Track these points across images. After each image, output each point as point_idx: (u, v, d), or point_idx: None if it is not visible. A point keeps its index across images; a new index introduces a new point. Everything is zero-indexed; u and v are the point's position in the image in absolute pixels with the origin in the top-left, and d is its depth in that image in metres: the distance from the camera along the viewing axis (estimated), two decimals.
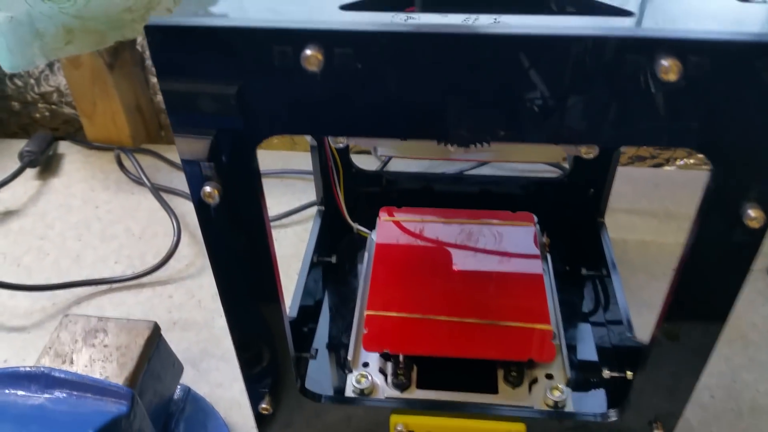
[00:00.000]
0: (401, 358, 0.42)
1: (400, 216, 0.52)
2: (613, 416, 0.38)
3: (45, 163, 0.72)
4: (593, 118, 0.25)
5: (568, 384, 0.41)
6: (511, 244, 0.49)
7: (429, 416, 0.39)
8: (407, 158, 0.64)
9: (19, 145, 0.72)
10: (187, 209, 0.65)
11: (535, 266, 0.47)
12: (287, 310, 0.37)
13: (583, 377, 0.44)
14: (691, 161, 0.73)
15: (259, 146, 0.28)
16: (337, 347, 0.48)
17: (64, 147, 0.76)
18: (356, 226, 0.55)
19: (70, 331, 0.40)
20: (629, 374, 0.41)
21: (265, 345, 0.36)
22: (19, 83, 0.80)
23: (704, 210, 0.28)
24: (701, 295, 0.31)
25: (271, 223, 0.39)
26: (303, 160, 0.69)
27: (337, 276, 0.54)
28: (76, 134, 0.81)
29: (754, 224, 0.27)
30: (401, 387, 0.41)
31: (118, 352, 0.38)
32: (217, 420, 0.45)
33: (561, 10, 0.29)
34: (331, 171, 0.53)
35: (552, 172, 0.65)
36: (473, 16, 0.25)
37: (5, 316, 0.55)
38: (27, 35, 0.59)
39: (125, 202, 0.67)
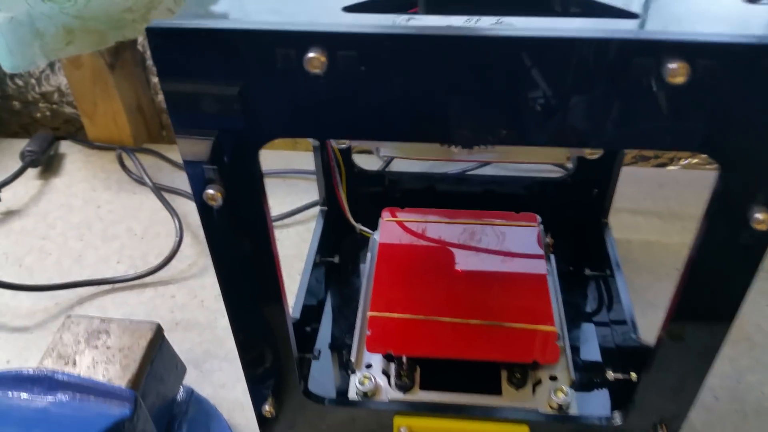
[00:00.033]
0: (404, 359, 0.42)
1: (403, 216, 0.52)
2: (617, 419, 0.37)
3: (46, 163, 0.72)
4: (598, 121, 0.25)
5: (573, 385, 0.41)
6: (514, 245, 0.49)
7: (433, 418, 0.39)
8: (410, 159, 0.64)
9: (20, 144, 0.72)
10: (189, 209, 0.65)
11: (538, 267, 0.47)
12: (290, 311, 0.37)
13: (587, 378, 0.44)
14: (695, 161, 0.72)
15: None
16: (340, 348, 0.47)
17: (65, 147, 0.76)
18: (359, 226, 0.55)
19: (73, 333, 0.39)
20: (633, 376, 0.41)
21: (268, 346, 0.36)
22: (20, 83, 0.80)
23: (711, 212, 0.27)
24: (708, 298, 0.30)
25: (274, 223, 0.39)
26: (305, 159, 0.69)
27: (339, 276, 0.54)
28: (77, 134, 0.81)
29: (762, 227, 0.26)
30: (404, 388, 0.41)
31: (120, 353, 0.38)
32: (220, 422, 0.45)
33: (565, 12, 0.29)
34: (333, 171, 0.53)
35: (556, 173, 0.65)
36: (477, 18, 0.25)
37: (7, 316, 0.55)
38: (27, 35, 0.59)
39: (127, 202, 0.67)
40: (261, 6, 0.27)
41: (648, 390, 0.35)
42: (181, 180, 0.69)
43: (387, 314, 0.43)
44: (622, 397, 0.42)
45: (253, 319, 0.35)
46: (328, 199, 0.56)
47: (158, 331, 0.40)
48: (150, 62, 0.75)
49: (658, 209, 0.64)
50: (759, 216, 0.26)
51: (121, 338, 0.39)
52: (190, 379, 0.47)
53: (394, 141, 0.36)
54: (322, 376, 0.45)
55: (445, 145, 0.33)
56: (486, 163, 0.66)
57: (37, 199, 0.68)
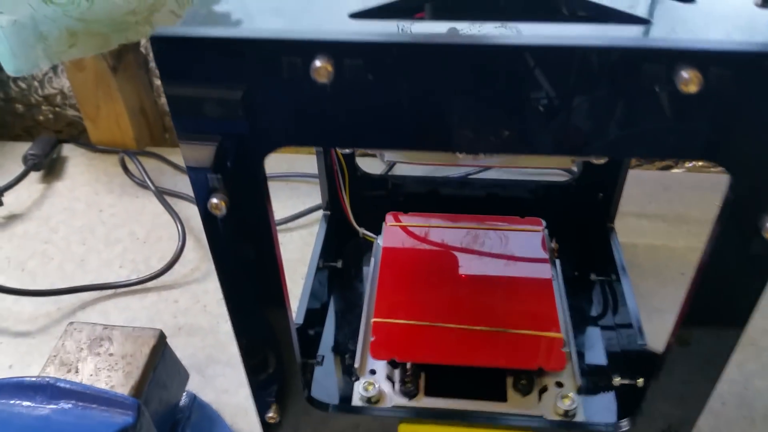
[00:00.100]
0: (409, 365, 0.41)
1: (407, 221, 0.51)
2: (624, 426, 0.37)
3: (49, 167, 0.72)
4: (607, 130, 0.24)
5: (579, 391, 0.41)
6: (519, 250, 0.49)
7: (437, 426, 0.38)
8: (415, 164, 0.63)
9: (23, 147, 0.71)
10: (191, 213, 0.65)
11: (544, 272, 0.46)
12: (293, 317, 0.37)
13: (593, 384, 0.44)
14: (700, 164, 0.72)
15: None
16: (344, 354, 0.47)
17: (67, 150, 0.75)
18: (362, 230, 0.55)
19: (75, 340, 0.39)
20: (640, 381, 0.41)
21: (271, 352, 0.36)
22: (23, 86, 0.80)
23: (722, 220, 0.27)
24: (719, 304, 0.30)
25: (277, 228, 0.39)
26: (308, 162, 0.69)
27: (342, 281, 0.54)
28: (79, 137, 0.81)
29: None
30: (409, 395, 0.41)
31: (123, 360, 0.38)
32: (223, 427, 0.45)
33: (573, 17, 0.29)
34: (336, 175, 0.53)
35: (561, 176, 0.64)
36: (484, 24, 0.25)
37: (10, 321, 0.55)
38: (30, 38, 0.58)
39: (129, 206, 0.67)
40: (267, 13, 0.26)
41: (656, 397, 0.35)
42: (183, 183, 0.69)
43: (391, 320, 0.43)
44: (628, 402, 0.42)
45: (257, 325, 0.34)
46: (331, 203, 0.56)
47: (161, 338, 0.39)
48: (153, 65, 0.75)
49: (664, 212, 0.63)
50: None
51: (123, 345, 0.38)
52: (193, 385, 0.47)
53: (400, 149, 0.35)
54: (325, 381, 0.45)
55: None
56: (490, 167, 0.65)
57: (40, 202, 0.68)
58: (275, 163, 0.70)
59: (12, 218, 0.66)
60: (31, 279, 0.59)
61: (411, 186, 0.57)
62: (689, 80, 0.22)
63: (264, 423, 0.39)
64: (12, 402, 0.33)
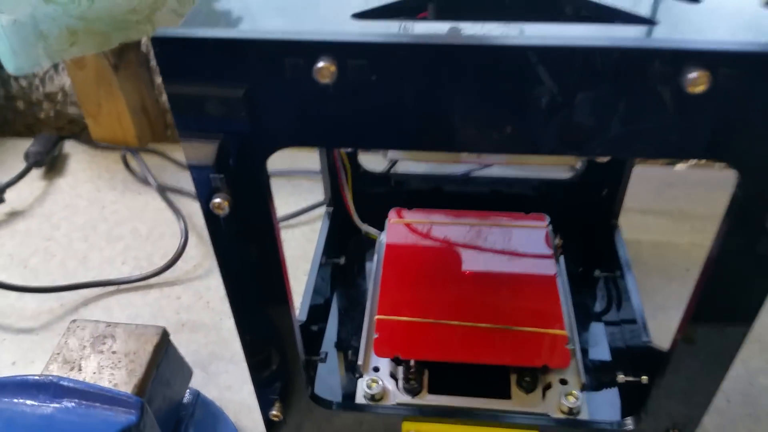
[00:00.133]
0: (412, 362, 0.41)
1: (410, 217, 0.51)
2: (629, 424, 0.37)
3: (51, 164, 0.72)
4: (614, 130, 0.24)
5: (583, 389, 0.41)
6: (523, 246, 0.48)
7: (441, 423, 0.38)
8: (417, 161, 0.63)
9: (25, 144, 0.71)
10: (194, 209, 0.65)
11: (548, 268, 0.46)
12: (296, 314, 0.37)
13: (597, 382, 0.44)
14: (703, 160, 0.72)
15: None
16: (347, 350, 0.47)
17: (69, 147, 0.75)
18: (365, 227, 0.54)
19: (78, 337, 0.39)
20: (644, 379, 0.41)
21: (274, 349, 0.36)
22: (24, 83, 0.79)
23: (729, 219, 0.27)
24: (725, 303, 0.30)
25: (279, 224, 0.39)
26: (310, 159, 0.68)
27: (345, 278, 0.54)
28: (81, 134, 0.81)
29: None
30: (413, 392, 0.41)
31: (126, 358, 0.38)
32: (226, 424, 0.45)
33: (579, 17, 0.28)
34: (339, 172, 0.52)
35: (565, 173, 0.64)
36: (488, 24, 0.24)
37: (13, 317, 0.55)
38: (31, 37, 0.58)
39: (132, 203, 0.67)
40: (269, 13, 0.26)
41: (661, 395, 0.35)
42: (185, 180, 0.69)
43: (395, 317, 0.43)
44: (633, 400, 0.42)
45: (260, 323, 0.34)
46: (334, 199, 0.55)
47: (164, 336, 0.39)
48: (154, 63, 0.75)
49: (668, 209, 0.63)
50: None
51: (126, 343, 0.38)
52: (197, 381, 0.46)
53: (402, 149, 0.35)
54: (328, 378, 0.45)
55: None
56: (493, 164, 0.65)
57: (42, 199, 0.68)
58: (277, 159, 0.69)
59: (14, 215, 0.66)
60: (34, 276, 0.59)
61: (414, 183, 0.56)
62: (697, 81, 0.21)
63: (267, 421, 0.39)
64: (15, 401, 0.33)
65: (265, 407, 0.38)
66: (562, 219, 0.52)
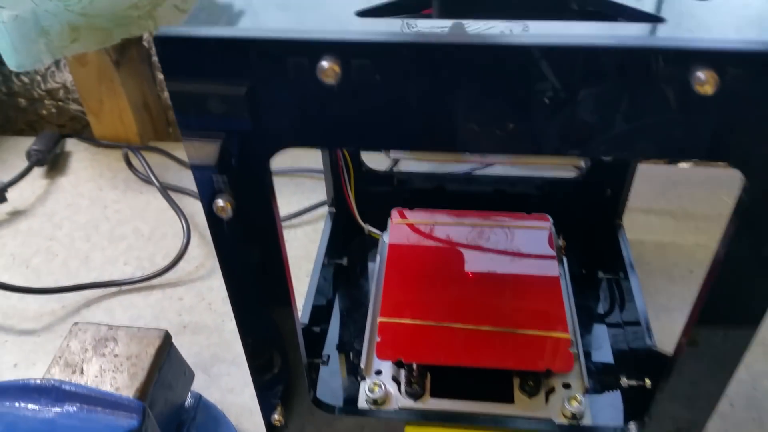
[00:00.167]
0: (415, 366, 0.41)
1: (413, 218, 0.51)
2: (632, 429, 0.37)
3: (52, 162, 0.72)
4: (620, 131, 0.24)
5: (586, 392, 0.40)
6: (526, 247, 0.48)
7: (444, 428, 0.38)
8: (420, 160, 0.63)
9: (26, 142, 0.71)
10: (196, 209, 0.64)
11: (551, 270, 0.46)
12: (299, 316, 0.37)
13: (600, 385, 0.44)
14: None
15: None
16: (349, 353, 0.47)
17: (71, 145, 0.75)
18: (367, 227, 0.54)
19: (80, 340, 0.39)
20: (648, 382, 0.40)
21: (277, 353, 0.36)
22: (26, 80, 0.79)
23: (735, 222, 0.26)
24: (731, 306, 0.30)
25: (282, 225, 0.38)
26: (312, 157, 0.68)
27: (348, 278, 0.53)
28: (83, 131, 0.81)
29: None
30: (415, 396, 0.40)
31: (128, 362, 0.38)
32: (228, 428, 0.45)
33: (585, 14, 0.28)
34: (341, 171, 0.52)
35: (568, 172, 0.64)
36: (494, 23, 0.24)
37: (15, 319, 0.55)
38: (32, 33, 0.58)
39: (134, 202, 0.67)
40: (273, 12, 0.26)
41: (665, 399, 0.35)
42: (188, 179, 0.68)
43: (397, 320, 0.42)
44: (636, 404, 0.41)
45: (262, 326, 0.34)
46: (336, 199, 0.55)
47: (166, 339, 0.39)
48: (156, 59, 0.75)
49: (672, 208, 0.63)
50: None
51: (128, 346, 0.38)
52: (198, 384, 0.46)
53: (406, 150, 0.35)
54: (330, 381, 0.45)
55: None
56: (496, 163, 0.65)
57: (44, 198, 0.68)
58: (279, 158, 0.68)
59: (16, 214, 0.66)
60: (36, 276, 0.59)
61: (416, 182, 0.56)
62: (705, 81, 0.21)
63: (269, 425, 0.39)
64: (17, 404, 0.33)
65: (266, 411, 0.38)
66: (566, 219, 0.51)
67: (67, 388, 0.33)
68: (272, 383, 0.37)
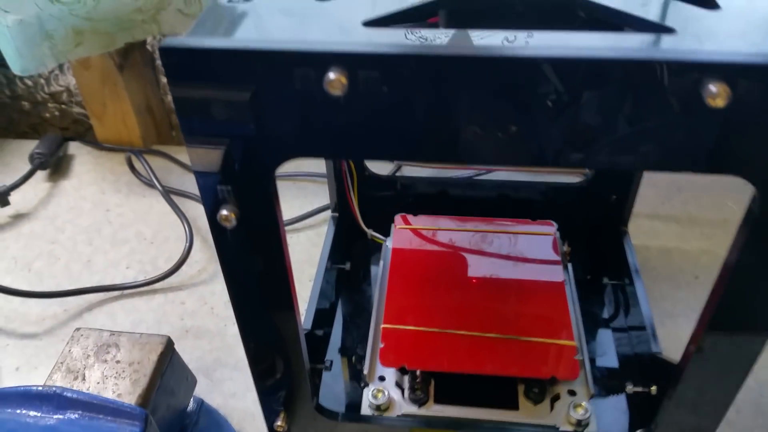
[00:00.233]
0: (419, 372, 0.41)
1: (416, 223, 0.51)
2: None
3: (55, 165, 0.72)
4: (629, 143, 0.24)
5: (592, 399, 0.40)
6: (530, 253, 0.48)
7: None
8: (423, 166, 0.63)
9: (29, 145, 0.71)
10: (199, 213, 0.64)
11: (556, 276, 0.46)
12: (302, 322, 0.36)
13: (606, 392, 0.43)
14: None
15: None
16: (352, 359, 0.47)
17: (74, 148, 0.75)
18: (370, 232, 0.54)
19: (82, 346, 0.39)
20: (653, 389, 0.40)
21: (279, 359, 0.35)
22: (29, 83, 0.79)
23: (744, 233, 0.26)
24: (741, 314, 0.29)
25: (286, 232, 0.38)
26: (315, 162, 0.68)
27: (351, 284, 0.53)
28: (86, 134, 0.80)
29: None
30: (419, 402, 0.40)
31: (130, 368, 0.37)
32: None
33: (595, 25, 0.28)
34: (344, 176, 0.52)
35: (573, 178, 0.63)
36: (504, 34, 0.24)
37: (17, 322, 0.55)
38: (36, 37, 0.58)
39: (136, 206, 0.67)
40: (280, 21, 0.26)
41: (672, 407, 0.34)
42: (191, 183, 0.68)
43: (401, 327, 0.42)
44: (642, 411, 0.41)
45: (265, 332, 0.34)
46: (340, 203, 0.55)
47: (168, 345, 0.39)
48: (159, 62, 0.75)
49: (677, 214, 0.62)
50: None
51: (131, 352, 0.38)
52: (201, 389, 0.46)
53: (413, 161, 0.35)
54: (333, 387, 0.45)
55: None
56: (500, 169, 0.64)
57: (46, 202, 0.68)
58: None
59: (18, 218, 0.66)
60: (38, 279, 0.59)
61: (420, 187, 0.56)
62: (717, 94, 0.21)
63: (272, 431, 0.39)
64: (19, 411, 0.33)
65: (269, 417, 0.38)
66: (571, 225, 0.51)
67: (69, 395, 0.33)
68: (275, 389, 0.37)
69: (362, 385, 0.42)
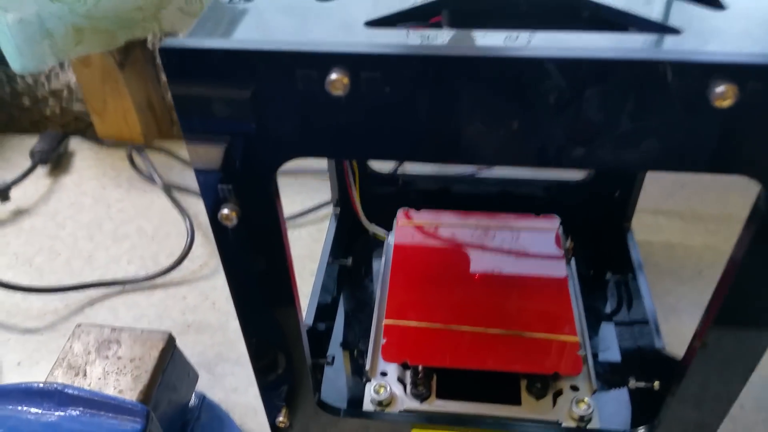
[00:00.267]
0: (421, 367, 0.41)
1: (418, 219, 0.51)
2: None
3: (56, 161, 0.72)
4: (635, 144, 0.23)
5: (594, 394, 0.40)
6: (534, 249, 0.48)
7: (450, 431, 0.38)
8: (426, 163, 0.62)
9: (30, 141, 0.71)
10: (200, 208, 0.64)
11: (559, 272, 0.45)
12: (303, 317, 0.36)
13: (609, 388, 0.43)
14: None
15: None
16: (354, 353, 0.46)
17: (75, 144, 0.75)
18: (372, 228, 0.54)
19: (83, 342, 0.39)
20: (656, 384, 0.40)
21: (281, 355, 0.35)
22: (30, 80, 0.79)
23: (751, 230, 0.26)
24: (747, 309, 0.29)
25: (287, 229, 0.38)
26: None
27: (352, 279, 0.53)
28: (86, 131, 0.80)
29: None
30: (421, 397, 0.40)
31: (132, 364, 0.37)
32: (232, 428, 0.44)
33: (599, 25, 0.27)
34: (346, 172, 0.52)
35: (577, 173, 0.63)
36: (508, 33, 0.23)
37: (18, 317, 0.55)
38: (37, 36, 0.58)
39: (137, 201, 0.66)
40: (281, 21, 0.25)
41: (676, 403, 0.34)
42: (192, 178, 0.68)
43: (403, 322, 0.42)
44: (644, 407, 0.41)
45: (266, 328, 0.34)
46: (341, 199, 0.55)
47: (170, 341, 0.39)
48: (160, 60, 0.74)
49: (680, 209, 0.62)
50: None
51: (132, 348, 0.38)
52: (202, 383, 0.46)
53: (416, 162, 0.34)
54: (335, 382, 0.45)
55: None
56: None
57: (47, 197, 0.68)
58: None
59: (19, 213, 0.66)
60: (39, 275, 0.59)
61: (422, 182, 0.56)
62: (724, 94, 0.21)
63: (273, 426, 0.39)
64: (20, 408, 0.33)
65: (271, 413, 0.38)
66: (574, 221, 0.51)
67: (70, 391, 0.33)
68: (276, 384, 0.37)
69: (364, 380, 0.42)
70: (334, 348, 0.47)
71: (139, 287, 0.57)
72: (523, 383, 0.41)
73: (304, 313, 0.45)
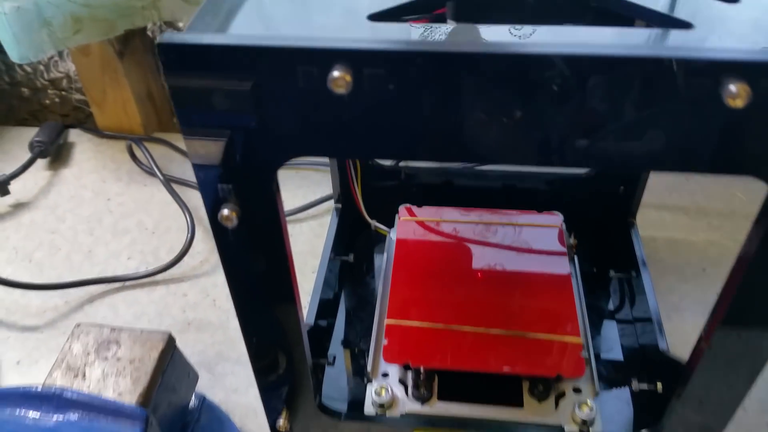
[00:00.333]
0: (422, 369, 0.40)
1: (421, 215, 0.50)
2: None
3: (55, 153, 0.71)
4: (644, 143, 0.23)
5: (597, 396, 0.40)
6: (536, 246, 0.47)
7: None
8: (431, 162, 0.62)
9: (29, 133, 0.70)
10: (200, 203, 0.63)
11: (562, 269, 0.45)
12: (304, 316, 0.36)
13: (612, 390, 0.43)
14: None
15: None
16: (356, 354, 0.46)
17: (74, 135, 0.74)
18: (374, 223, 0.53)
19: (83, 343, 0.38)
20: (659, 386, 0.40)
21: (281, 356, 0.35)
22: (29, 69, 0.78)
23: (760, 229, 0.25)
24: (754, 313, 0.28)
25: (286, 218, 0.38)
26: None
27: (354, 276, 0.53)
28: (86, 121, 0.80)
29: None
30: (422, 399, 0.40)
31: (131, 365, 0.37)
32: (232, 429, 0.44)
33: (609, 19, 0.26)
34: (348, 166, 0.51)
35: (580, 168, 0.62)
36: (513, 28, 0.23)
37: (18, 314, 0.54)
38: (35, 24, 0.57)
39: (137, 195, 0.66)
40: (283, 15, 0.25)
41: (680, 406, 0.34)
42: (191, 171, 0.67)
43: (405, 322, 0.42)
44: (648, 409, 0.41)
45: (267, 328, 0.34)
46: (343, 194, 0.54)
47: (170, 341, 0.39)
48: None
49: (684, 204, 0.61)
50: None
51: (132, 349, 0.38)
52: (202, 383, 0.46)
53: (420, 160, 0.34)
54: (336, 382, 0.44)
55: None
56: None
57: (47, 190, 0.67)
58: None
59: (19, 207, 0.65)
60: (39, 270, 0.58)
61: (424, 177, 0.55)
62: (736, 94, 0.20)
63: (274, 429, 0.38)
64: (18, 412, 0.32)
65: (271, 416, 0.38)
66: (578, 217, 0.50)
67: (69, 395, 0.33)
68: (277, 386, 0.36)
69: (365, 381, 0.41)
70: (335, 347, 0.47)
71: (139, 284, 0.57)
72: (526, 385, 0.40)
73: (305, 311, 0.45)
